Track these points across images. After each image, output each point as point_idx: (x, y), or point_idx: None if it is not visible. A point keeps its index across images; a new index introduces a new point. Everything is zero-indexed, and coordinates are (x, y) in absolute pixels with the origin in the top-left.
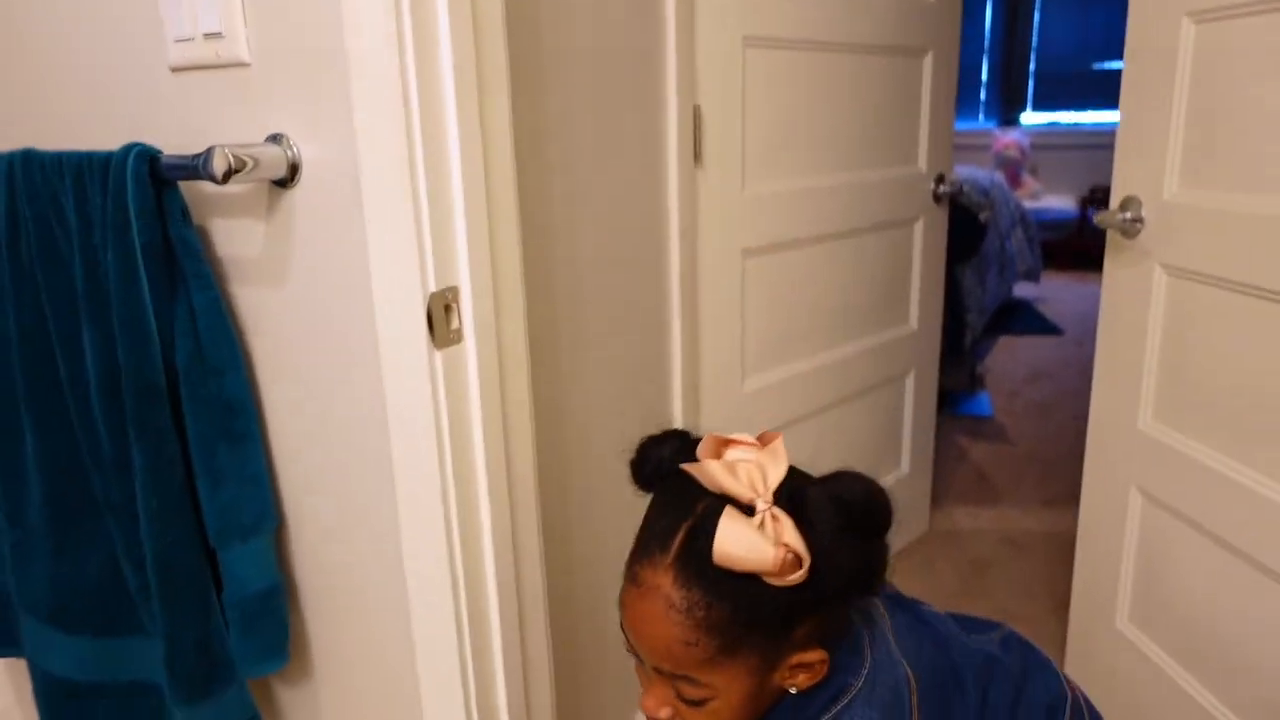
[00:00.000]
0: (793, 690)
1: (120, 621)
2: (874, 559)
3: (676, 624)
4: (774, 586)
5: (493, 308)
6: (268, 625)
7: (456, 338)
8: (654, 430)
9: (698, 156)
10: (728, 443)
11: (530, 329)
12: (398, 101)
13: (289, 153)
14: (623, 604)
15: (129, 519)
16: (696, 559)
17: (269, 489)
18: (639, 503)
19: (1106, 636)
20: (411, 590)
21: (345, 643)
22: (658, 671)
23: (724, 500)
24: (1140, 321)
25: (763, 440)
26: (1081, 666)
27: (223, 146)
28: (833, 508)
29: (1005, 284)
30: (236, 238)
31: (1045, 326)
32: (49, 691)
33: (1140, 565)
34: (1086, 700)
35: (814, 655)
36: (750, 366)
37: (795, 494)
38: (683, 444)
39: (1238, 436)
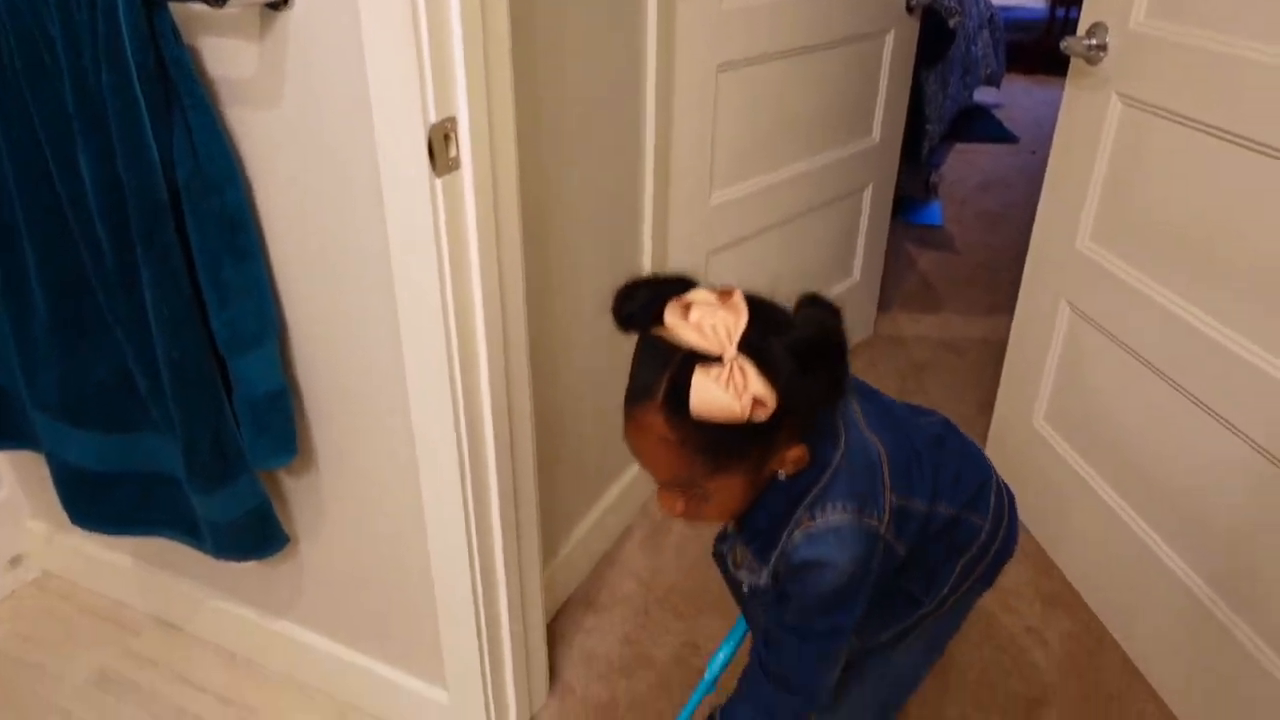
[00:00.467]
0: (782, 475)
1: (131, 420)
2: (833, 381)
3: (672, 452)
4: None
5: (488, 136)
6: (277, 423)
7: (454, 165)
8: (627, 250)
9: None
10: (690, 305)
11: (518, 154)
12: None
13: None
14: (626, 437)
15: (138, 330)
16: (679, 402)
17: (272, 302)
18: (604, 293)
19: (1024, 434)
20: (411, 390)
21: (347, 437)
22: (664, 484)
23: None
24: (1091, 147)
25: (722, 296)
26: (999, 460)
27: None
28: (791, 357)
29: (967, 89)
30: (229, 58)
31: (1002, 134)
32: (67, 479)
33: (1061, 372)
34: (1003, 481)
35: (796, 451)
36: (718, 180)
37: (757, 345)
38: (653, 294)
39: (1166, 264)
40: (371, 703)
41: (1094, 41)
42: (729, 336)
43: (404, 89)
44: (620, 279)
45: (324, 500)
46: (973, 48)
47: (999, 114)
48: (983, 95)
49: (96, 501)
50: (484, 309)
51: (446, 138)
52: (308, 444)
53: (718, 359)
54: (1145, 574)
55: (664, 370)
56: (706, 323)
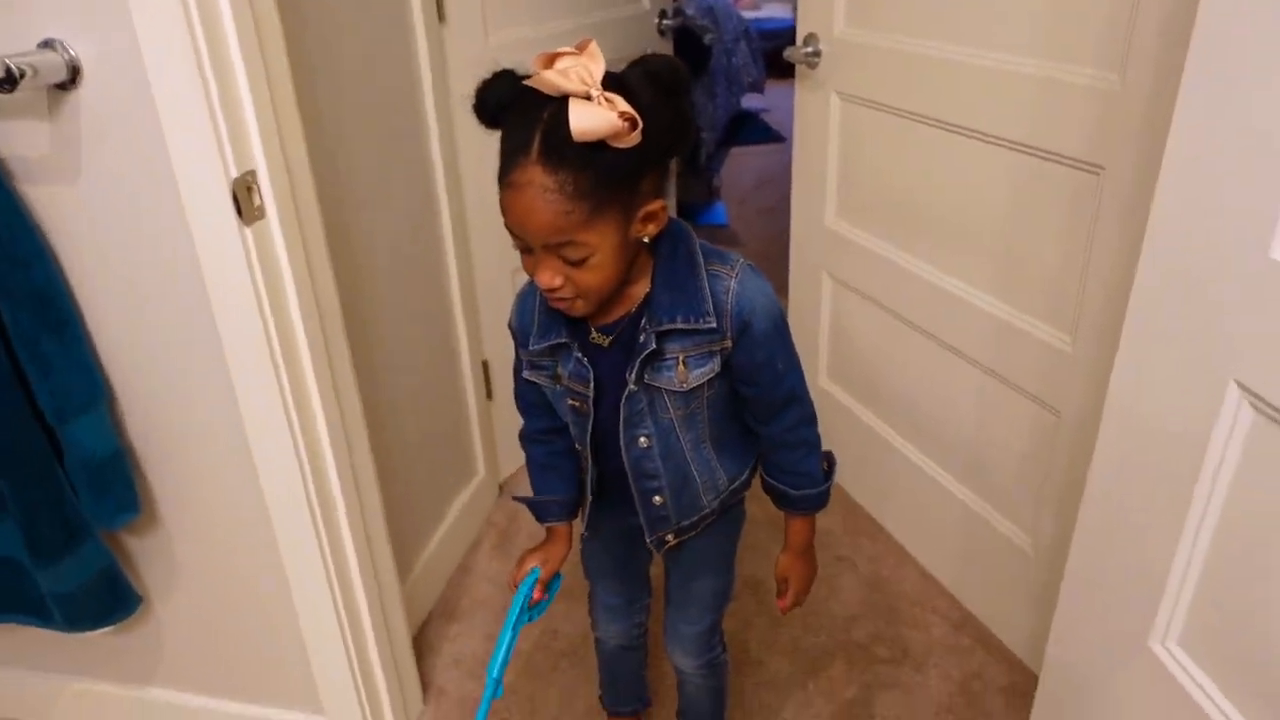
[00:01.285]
0: (645, 240)
1: None
2: (683, 116)
3: (553, 202)
4: (620, 151)
5: (288, 184)
6: (116, 483)
7: (260, 214)
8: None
9: (441, 15)
10: (554, 57)
11: (318, 196)
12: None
13: (65, 56)
14: (506, 209)
15: None
16: (555, 149)
17: (96, 369)
18: (419, 318)
19: (813, 394)
20: (250, 434)
21: (190, 490)
22: (545, 249)
23: (563, 99)
24: (822, 138)
25: (580, 48)
26: None
27: (1, 56)
28: (648, 79)
29: (734, 97)
30: (19, 138)
31: (770, 135)
32: None
33: (832, 334)
34: None
35: (657, 204)
36: None
37: (617, 79)
38: (513, 78)
39: (890, 227)
40: None
41: (810, 49)
42: (592, 77)
43: (203, 149)
44: (431, 306)
45: (174, 556)
46: (733, 59)
47: (766, 117)
48: (749, 101)
49: None
50: (309, 346)
51: (249, 189)
52: (150, 503)
53: (585, 98)
54: (924, 492)
55: (536, 125)
56: (571, 69)
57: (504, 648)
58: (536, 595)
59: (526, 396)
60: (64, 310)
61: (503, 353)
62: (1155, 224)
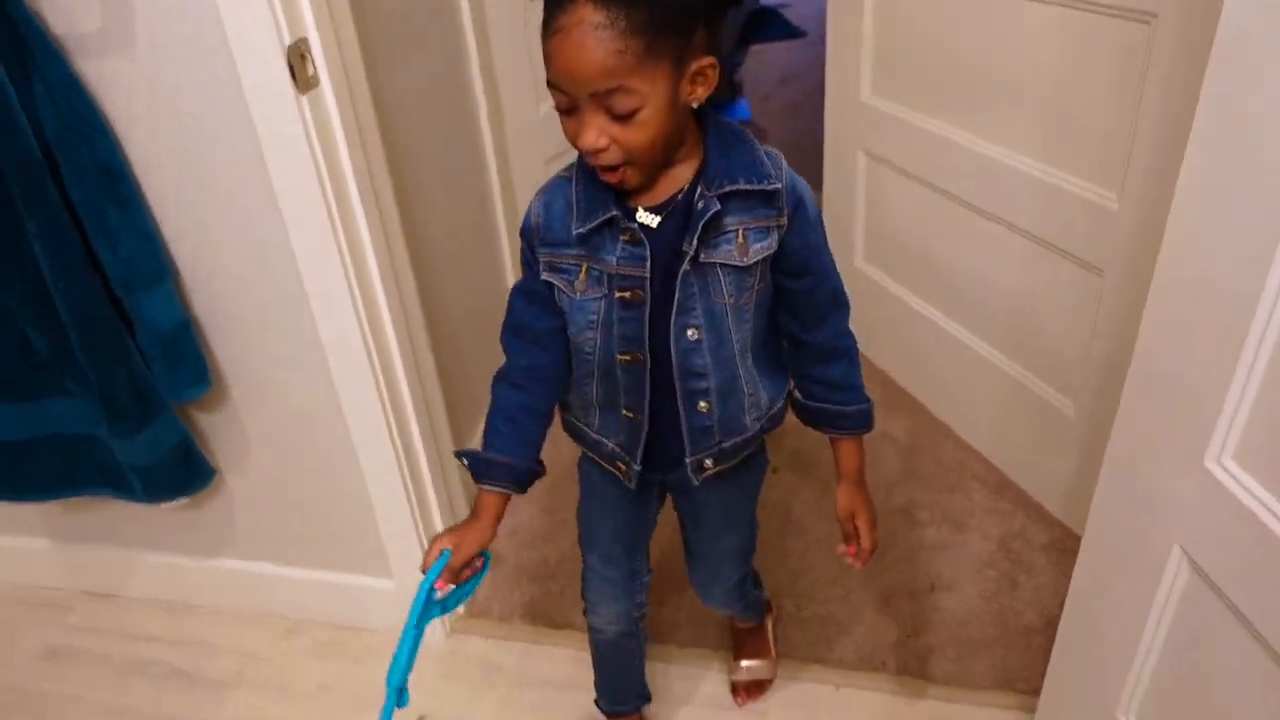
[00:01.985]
0: (695, 105)
1: (38, 387)
2: None
3: (605, 39)
4: None
5: (339, 54)
6: (187, 355)
7: (315, 82)
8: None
9: None
10: None
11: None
12: None
13: None
14: (551, 57)
15: (31, 290)
16: None
17: (160, 243)
18: (463, 196)
19: (848, 275)
20: (314, 302)
21: (257, 363)
22: (592, 99)
23: None
24: (857, 7)
25: None
26: None
27: None
28: None
29: None
30: (72, 15)
31: (791, 31)
32: None
33: (868, 214)
34: None
35: (708, 60)
36: (543, 95)
37: None
38: None
39: (934, 97)
40: (320, 610)
41: None
42: None
43: (257, 17)
44: (470, 191)
45: (244, 429)
46: None
47: (786, 13)
48: None
49: (17, 472)
50: (364, 215)
51: (303, 57)
52: (219, 377)
53: None
54: (962, 364)
55: None
56: None
57: (406, 653)
58: (447, 580)
59: (522, 316)
60: (128, 185)
61: None
62: (1214, 72)
